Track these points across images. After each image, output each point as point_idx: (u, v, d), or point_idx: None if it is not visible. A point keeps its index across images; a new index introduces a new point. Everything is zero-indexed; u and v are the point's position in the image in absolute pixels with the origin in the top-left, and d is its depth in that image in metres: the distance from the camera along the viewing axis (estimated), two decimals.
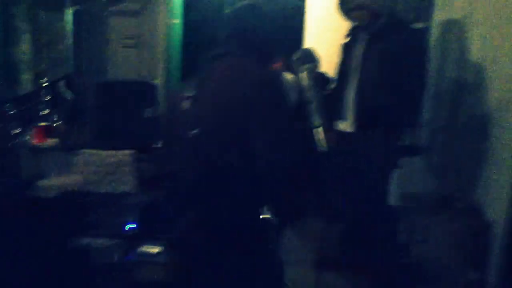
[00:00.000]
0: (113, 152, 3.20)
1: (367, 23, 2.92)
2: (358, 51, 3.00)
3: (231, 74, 1.70)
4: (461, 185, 3.01)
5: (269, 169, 1.61)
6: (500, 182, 2.60)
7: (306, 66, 2.86)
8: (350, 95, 3.01)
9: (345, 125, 3.04)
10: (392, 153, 2.97)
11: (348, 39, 3.12)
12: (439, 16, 3.44)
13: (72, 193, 3.11)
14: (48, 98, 3.46)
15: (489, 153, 2.77)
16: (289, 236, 1.93)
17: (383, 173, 2.99)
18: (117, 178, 3.15)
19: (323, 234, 3.14)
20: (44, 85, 3.52)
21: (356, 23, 3.03)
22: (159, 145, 3.04)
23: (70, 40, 4.28)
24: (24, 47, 3.92)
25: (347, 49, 3.11)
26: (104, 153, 3.20)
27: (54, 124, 3.39)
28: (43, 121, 3.35)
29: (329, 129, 2.88)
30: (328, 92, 3.15)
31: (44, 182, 3.13)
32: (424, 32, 3.51)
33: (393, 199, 3.25)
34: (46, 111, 3.42)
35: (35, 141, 3.24)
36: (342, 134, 3.04)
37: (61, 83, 3.65)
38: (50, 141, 3.30)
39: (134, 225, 2.97)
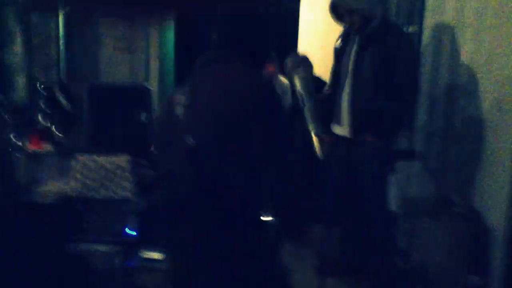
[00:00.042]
0: (109, 157, 3.18)
1: (359, 27, 2.93)
2: (351, 55, 3.01)
3: (225, 79, 1.69)
4: (458, 188, 3.02)
5: (268, 174, 1.62)
6: (498, 185, 2.62)
7: (299, 71, 2.88)
8: (344, 100, 3.01)
9: (340, 130, 3.05)
10: (388, 157, 2.99)
11: (340, 43, 3.13)
12: (431, 19, 3.46)
13: (69, 198, 3.10)
14: (44, 105, 3.43)
15: (486, 155, 2.79)
16: (290, 241, 1.93)
17: (379, 178, 3.00)
18: (114, 184, 3.13)
19: (320, 239, 3.15)
20: (40, 91, 3.49)
21: (348, 27, 3.04)
22: (154, 151, 3.03)
23: (62, 43, 4.26)
24: (16, 50, 3.89)
25: (339, 53, 3.12)
26: (100, 158, 3.18)
27: (50, 130, 3.37)
28: (40, 128, 3.33)
29: (324, 134, 2.91)
30: (322, 96, 3.16)
31: (40, 188, 3.12)
32: (416, 36, 3.55)
33: (390, 204, 3.27)
34: (42, 118, 3.40)
35: (31, 147, 3.23)
36: (337, 138, 3.05)
37: (57, 90, 3.62)
38: (46, 147, 3.28)
39: (133, 232, 2.97)
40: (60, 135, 3.43)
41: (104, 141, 3.50)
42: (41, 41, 4.15)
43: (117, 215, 3.02)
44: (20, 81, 3.88)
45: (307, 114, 2.85)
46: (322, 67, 3.25)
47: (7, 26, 3.85)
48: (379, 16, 2.88)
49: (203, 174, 1.62)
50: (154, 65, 4.58)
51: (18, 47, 3.92)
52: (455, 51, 3.16)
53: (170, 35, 4.70)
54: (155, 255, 2.79)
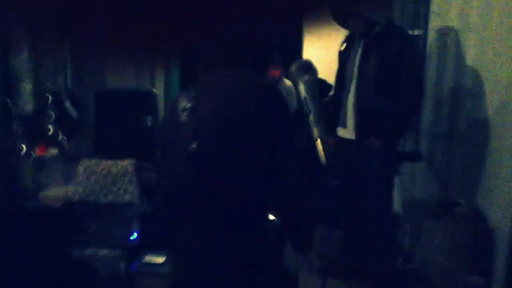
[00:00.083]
0: (114, 161, 3.20)
1: (364, 30, 2.93)
2: (356, 58, 3.01)
3: (230, 82, 1.70)
4: (462, 189, 3.02)
5: (273, 175, 1.62)
6: (501, 186, 2.61)
7: (304, 77, 2.88)
8: (349, 102, 3.01)
9: (344, 132, 3.05)
10: (392, 159, 2.98)
11: (344, 47, 3.13)
12: (435, 22, 3.45)
13: (74, 203, 3.11)
14: (50, 111, 3.46)
15: (490, 157, 2.79)
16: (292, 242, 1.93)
17: (384, 179, 2.99)
18: (119, 188, 3.14)
19: (325, 241, 3.14)
20: (47, 97, 3.52)
21: (353, 31, 3.04)
22: (158, 154, 3.04)
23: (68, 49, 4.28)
24: (23, 56, 3.92)
25: (344, 56, 3.12)
26: (105, 162, 3.19)
27: (57, 136, 3.40)
28: (46, 134, 3.35)
29: (329, 136, 2.91)
30: (327, 99, 3.16)
31: (45, 193, 3.14)
32: (421, 39, 3.54)
33: (394, 205, 3.26)
34: (49, 125, 3.42)
35: (37, 153, 3.25)
36: (342, 141, 3.05)
37: (64, 96, 3.64)
38: (52, 152, 3.30)
39: (136, 235, 2.97)
40: (66, 140, 3.45)
41: (109, 145, 3.52)
42: (48, 47, 4.18)
43: (122, 219, 3.03)
44: (27, 87, 3.90)
45: (312, 118, 2.85)
46: (327, 71, 3.25)
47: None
48: (383, 20, 2.88)
49: (208, 176, 1.62)
50: (160, 69, 4.58)
51: (25, 54, 3.94)
52: (459, 54, 3.16)
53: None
54: (159, 259, 2.78)
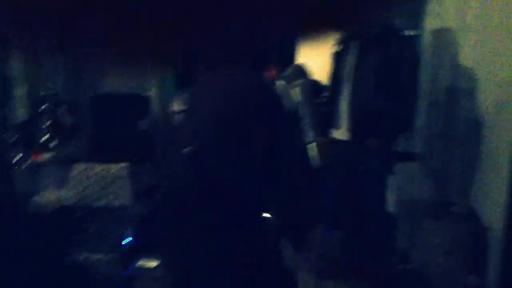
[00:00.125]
0: (108, 165, 3.19)
1: (358, 32, 2.92)
2: (350, 59, 3.00)
3: (226, 82, 1.69)
4: (458, 189, 3.02)
5: (269, 175, 1.61)
6: (497, 186, 2.61)
7: (298, 82, 2.87)
8: (344, 103, 3.01)
9: (339, 133, 3.04)
10: (388, 159, 2.98)
11: (339, 48, 3.12)
12: (431, 23, 3.45)
13: (68, 207, 3.10)
14: (48, 124, 3.44)
15: (485, 157, 2.78)
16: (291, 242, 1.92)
17: (379, 180, 2.99)
18: (112, 192, 3.13)
19: (321, 241, 3.14)
20: (40, 103, 3.50)
21: (348, 33, 3.02)
22: (155, 155, 3.02)
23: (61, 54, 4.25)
24: (16, 60, 3.90)
25: (339, 57, 3.11)
26: (98, 166, 3.18)
27: (51, 141, 3.38)
28: (41, 140, 3.34)
29: (323, 139, 2.89)
30: (321, 101, 3.16)
31: (39, 197, 3.12)
32: (416, 39, 3.53)
33: (390, 206, 3.25)
34: (43, 131, 3.41)
35: (32, 158, 3.23)
36: (337, 142, 3.04)
37: (62, 109, 3.62)
38: (46, 157, 3.29)
39: (131, 239, 2.96)
40: (60, 145, 3.44)
41: (103, 149, 3.51)
42: (41, 51, 4.16)
43: (116, 223, 3.01)
44: (21, 92, 3.88)
45: (306, 121, 2.84)
46: (321, 72, 3.24)
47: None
48: (380, 22, 2.87)
49: (204, 177, 1.62)
50: (156, 71, 4.55)
51: (18, 59, 3.92)
52: (456, 54, 3.16)
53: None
54: (152, 264, 2.77)
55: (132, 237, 2.98)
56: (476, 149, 2.84)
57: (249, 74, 1.73)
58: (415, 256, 3.05)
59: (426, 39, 3.50)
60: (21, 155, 3.17)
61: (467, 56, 3.04)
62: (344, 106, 3.00)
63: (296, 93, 2.87)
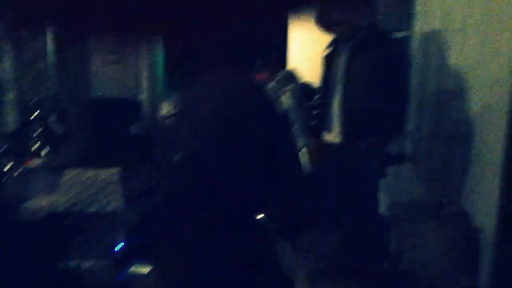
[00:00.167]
0: (98, 171, 3.17)
1: (348, 36, 2.94)
2: (341, 62, 3.01)
3: (216, 85, 1.70)
4: (449, 191, 3.02)
5: (264, 177, 1.62)
6: (487, 186, 2.62)
7: (288, 87, 2.88)
8: (335, 106, 3.02)
9: (331, 136, 3.05)
10: (379, 162, 2.99)
11: (329, 51, 3.13)
12: (420, 25, 3.46)
13: (59, 213, 3.08)
14: (38, 132, 3.43)
15: (475, 158, 2.79)
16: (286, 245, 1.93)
17: (372, 182, 3.00)
18: (103, 197, 3.11)
19: (313, 244, 3.15)
20: (30, 109, 3.48)
21: (337, 37, 3.04)
22: (145, 164, 3.02)
23: (52, 58, 4.24)
24: (6, 66, 3.88)
25: (329, 61, 3.12)
26: (89, 172, 3.16)
27: (41, 148, 3.36)
28: (31, 147, 3.32)
29: (314, 143, 2.91)
30: (312, 105, 3.17)
31: (30, 204, 3.09)
32: (405, 41, 3.55)
33: (382, 208, 3.26)
34: (33, 137, 3.39)
35: (22, 166, 3.22)
36: (329, 145, 3.04)
37: (52, 118, 3.61)
38: (36, 163, 3.27)
39: (122, 245, 2.94)
40: (51, 152, 3.42)
41: (95, 154, 3.50)
42: (30, 57, 4.13)
43: (108, 229, 3.00)
44: (10, 98, 3.86)
45: (297, 126, 2.85)
46: (312, 76, 3.25)
47: None
48: (367, 25, 2.89)
49: (197, 179, 1.63)
50: (144, 76, 4.56)
51: (7, 64, 3.90)
52: (443, 55, 3.17)
53: (160, 47, 4.69)
54: (144, 269, 2.76)
55: (124, 242, 2.96)
56: (467, 150, 2.85)
57: (238, 75, 1.73)
58: (407, 257, 3.06)
59: (415, 41, 3.52)
60: (12, 163, 3.15)
61: (454, 57, 3.06)
62: (335, 109, 3.01)
63: (286, 98, 2.89)
